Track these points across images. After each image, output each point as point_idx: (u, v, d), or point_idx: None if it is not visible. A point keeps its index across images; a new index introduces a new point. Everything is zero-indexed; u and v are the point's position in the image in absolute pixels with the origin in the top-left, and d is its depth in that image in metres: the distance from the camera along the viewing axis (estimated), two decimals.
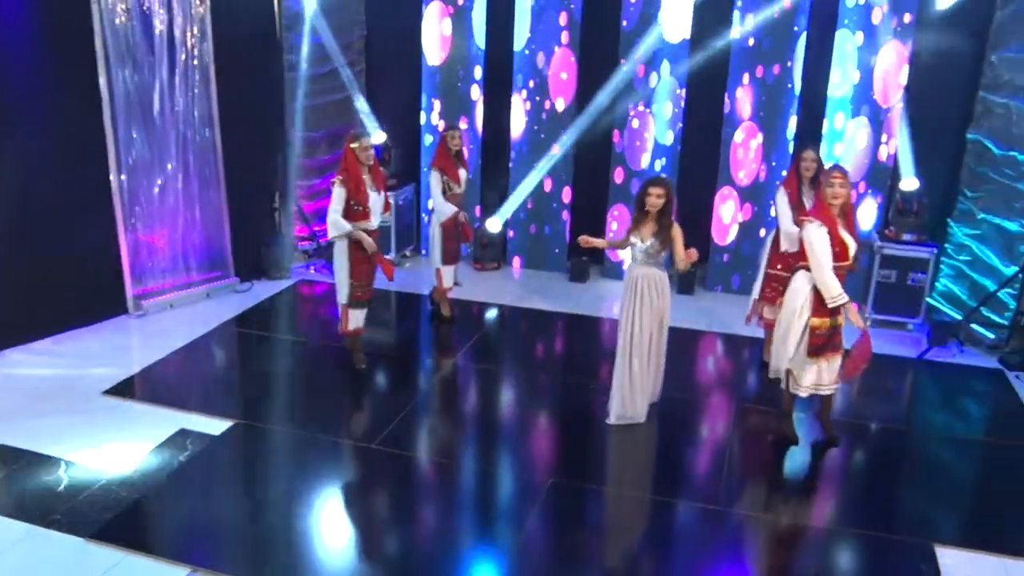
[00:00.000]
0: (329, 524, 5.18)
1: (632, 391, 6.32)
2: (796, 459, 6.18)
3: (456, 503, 5.59)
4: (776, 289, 6.86)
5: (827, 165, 6.50)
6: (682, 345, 8.16)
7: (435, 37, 9.83)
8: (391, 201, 7.87)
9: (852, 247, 5.71)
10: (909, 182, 8.40)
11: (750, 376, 7.53)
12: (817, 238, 5.62)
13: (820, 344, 5.83)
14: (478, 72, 9.85)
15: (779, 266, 6.99)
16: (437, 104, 10.01)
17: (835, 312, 5.77)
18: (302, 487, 5.54)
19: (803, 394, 6.04)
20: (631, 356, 6.23)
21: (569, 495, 5.58)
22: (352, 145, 6.66)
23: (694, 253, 6.08)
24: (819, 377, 5.97)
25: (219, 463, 5.83)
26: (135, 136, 7.86)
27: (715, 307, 9.09)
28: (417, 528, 5.30)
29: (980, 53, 8.23)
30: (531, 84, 9.59)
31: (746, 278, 9.30)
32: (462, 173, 7.96)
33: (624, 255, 6.18)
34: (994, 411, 7.34)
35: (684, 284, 9.38)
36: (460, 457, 6.12)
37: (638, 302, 6.14)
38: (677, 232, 6.07)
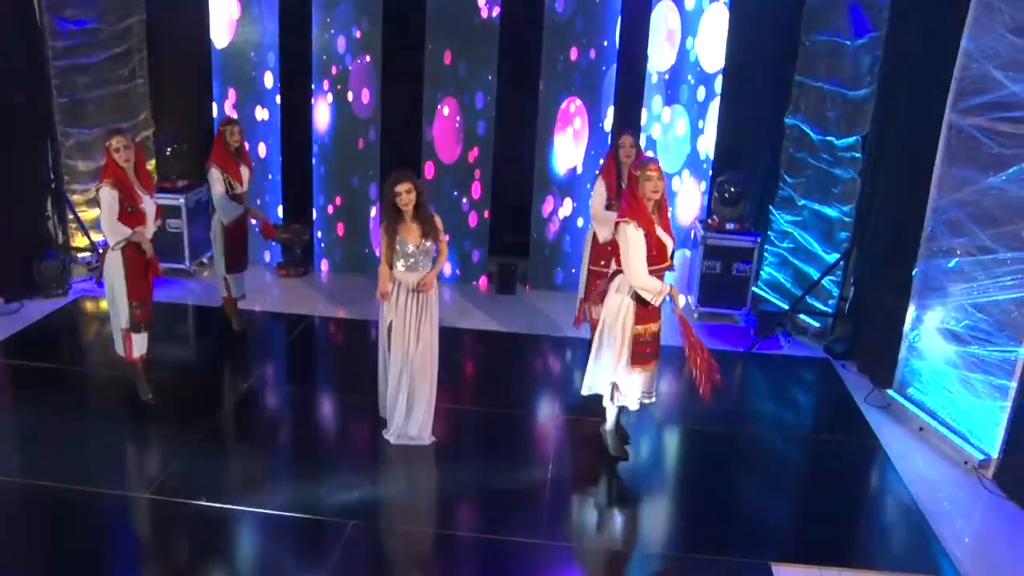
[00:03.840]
0: None
1: (404, 405, 5.78)
2: (624, 476, 5.73)
3: (243, 561, 4.83)
4: (601, 287, 6.39)
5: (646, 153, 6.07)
6: (501, 349, 7.65)
7: (223, 19, 8.90)
8: (179, 205, 7.81)
9: (670, 246, 5.30)
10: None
11: (575, 382, 7.05)
12: (634, 240, 5.14)
13: (645, 352, 5.43)
14: (272, 58, 8.98)
15: (602, 262, 6.54)
16: (232, 93, 9.09)
17: (655, 318, 5.40)
18: (57, 552, 4.71)
19: (632, 406, 5.60)
20: (400, 369, 5.69)
21: (374, 539, 4.96)
22: (107, 144, 5.89)
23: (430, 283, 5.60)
24: (644, 385, 5.56)
25: None
26: None
27: (536, 307, 8.60)
28: None
29: (795, 36, 8.03)
30: (333, 71, 8.79)
31: (568, 275, 8.86)
32: (244, 171, 7.27)
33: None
34: (822, 403, 7.21)
35: (504, 283, 8.85)
36: (249, 504, 5.26)
37: (406, 310, 5.61)
38: (439, 223, 5.65)
